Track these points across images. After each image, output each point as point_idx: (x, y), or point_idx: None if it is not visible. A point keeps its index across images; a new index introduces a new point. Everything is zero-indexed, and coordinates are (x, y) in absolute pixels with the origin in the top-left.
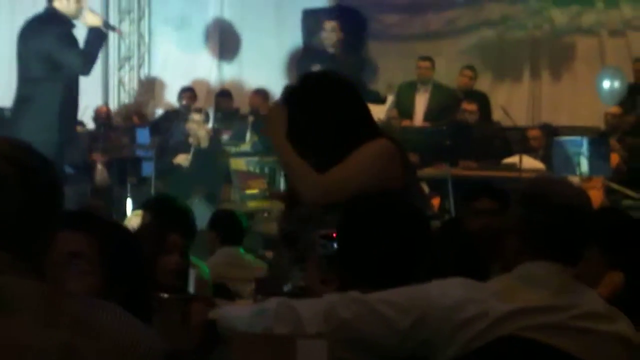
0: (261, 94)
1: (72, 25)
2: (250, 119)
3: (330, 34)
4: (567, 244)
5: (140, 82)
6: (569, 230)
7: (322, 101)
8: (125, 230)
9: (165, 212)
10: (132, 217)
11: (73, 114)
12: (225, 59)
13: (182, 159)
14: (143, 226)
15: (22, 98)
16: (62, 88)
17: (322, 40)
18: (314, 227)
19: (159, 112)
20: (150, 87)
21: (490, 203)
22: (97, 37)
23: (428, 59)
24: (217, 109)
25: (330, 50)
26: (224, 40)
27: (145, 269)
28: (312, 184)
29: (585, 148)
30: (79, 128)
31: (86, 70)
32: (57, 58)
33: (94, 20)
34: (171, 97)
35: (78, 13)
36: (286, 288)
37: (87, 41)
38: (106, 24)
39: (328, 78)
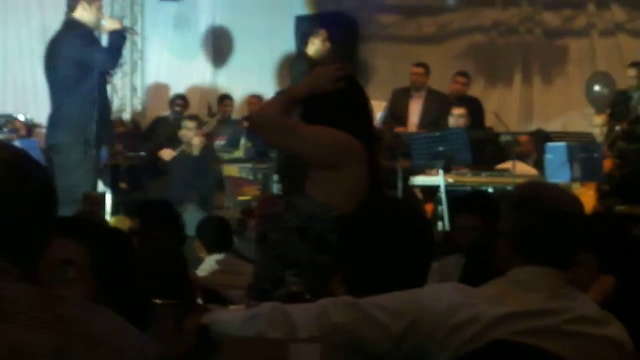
0: (257, 99)
1: (93, 30)
2: (245, 124)
3: (322, 45)
4: (560, 248)
5: (149, 88)
6: (561, 235)
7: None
8: (120, 236)
9: (155, 216)
10: (116, 222)
11: (107, 117)
12: (218, 64)
13: (167, 154)
14: (132, 231)
15: (58, 106)
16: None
17: (313, 53)
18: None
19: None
20: (158, 92)
21: (471, 219)
22: (119, 36)
23: (422, 65)
24: (217, 113)
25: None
26: (218, 46)
27: (140, 275)
28: (263, 107)
29: (577, 154)
30: None
31: (112, 66)
32: (84, 58)
33: (114, 25)
34: (165, 103)
35: (98, 23)
36: (279, 293)
37: (110, 41)
38: (125, 27)
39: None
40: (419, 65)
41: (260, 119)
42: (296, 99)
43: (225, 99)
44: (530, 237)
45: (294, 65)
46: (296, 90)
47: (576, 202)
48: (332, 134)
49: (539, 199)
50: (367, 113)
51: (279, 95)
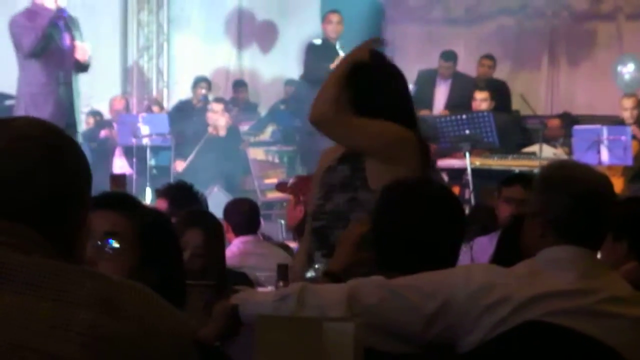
0: (292, 84)
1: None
2: (282, 107)
3: (336, 26)
4: (590, 227)
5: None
6: (591, 213)
7: (383, 78)
8: (161, 213)
9: (180, 198)
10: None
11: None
12: (244, 48)
13: (179, 166)
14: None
15: None
16: None
17: (327, 33)
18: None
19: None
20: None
21: (522, 192)
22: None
23: (450, 57)
24: (234, 99)
25: (334, 42)
26: (242, 29)
27: (180, 254)
28: (319, 104)
29: (605, 136)
30: (96, 118)
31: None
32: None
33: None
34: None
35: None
36: (309, 274)
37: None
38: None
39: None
40: (447, 57)
41: (319, 118)
42: (340, 80)
43: (239, 85)
44: (559, 217)
45: (308, 52)
46: (338, 73)
47: (604, 180)
48: (388, 126)
49: (566, 178)
50: (409, 98)
51: (325, 84)
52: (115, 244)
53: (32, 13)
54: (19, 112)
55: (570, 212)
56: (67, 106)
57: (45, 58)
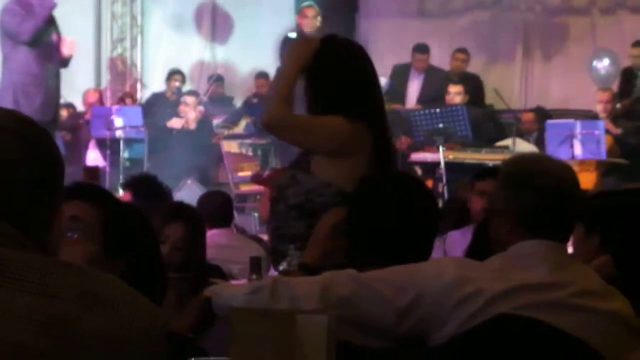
0: (263, 76)
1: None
2: (254, 100)
3: (311, 20)
4: (557, 220)
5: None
6: (557, 206)
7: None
8: (131, 204)
9: (146, 191)
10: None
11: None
12: (217, 40)
13: (176, 122)
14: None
15: None
16: None
17: (302, 27)
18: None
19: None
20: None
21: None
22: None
23: (424, 50)
24: (210, 94)
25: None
26: (216, 22)
27: (153, 244)
28: (271, 108)
29: (578, 131)
30: (69, 110)
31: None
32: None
33: (69, 49)
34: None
35: None
36: (282, 267)
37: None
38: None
39: (352, 46)
40: (421, 50)
41: (273, 123)
42: (291, 82)
43: (216, 80)
44: (525, 212)
45: (283, 45)
46: (286, 73)
47: (568, 171)
48: (338, 126)
49: (529, 173)
50: (368, 84)
51: (274, 84)
52: (79, 230)
53: (24, 3)
54: (5, 99)
55: (536, 207)
56: (55, 99)
57: (38, 49)
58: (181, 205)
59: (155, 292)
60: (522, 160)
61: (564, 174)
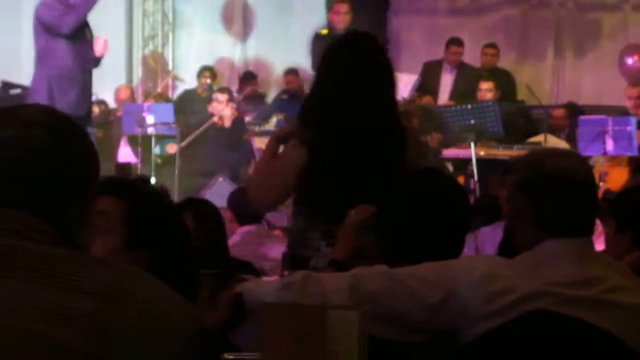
0: (293, 73)
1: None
2: (284, 96)
3: (344, 16)
4: (578, 217)
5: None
6: (576, 204)
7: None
8: (159, 192)
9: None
10: None
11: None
12: (248, 37)
13: (171, 148)
14: None
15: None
16: None
17: (334, 23)
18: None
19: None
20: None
21: None
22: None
23: (459, 43)
24: (241, 92)
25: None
26: (247, 19)
27: (184, 241)
28: (259, 192)
29: (610, 127)
30: (101, 106)
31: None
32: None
33: (102, 48)
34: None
35: None
36: (313, 263)
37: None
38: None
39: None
40: (456, 43)
41: (259, 205)
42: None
43: (248, 78)
44: (545, 216)
45: (314, 41)
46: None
47: (581, 166)
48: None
49: (543, 176)
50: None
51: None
52: (102, 223)
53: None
54: (40, 94)
55: (555, 209)
56: (88, 95)
57: (73, 44)
58: (191, 198)
59: (186, 288)
60: (532, 163)
61: (576, 170)
